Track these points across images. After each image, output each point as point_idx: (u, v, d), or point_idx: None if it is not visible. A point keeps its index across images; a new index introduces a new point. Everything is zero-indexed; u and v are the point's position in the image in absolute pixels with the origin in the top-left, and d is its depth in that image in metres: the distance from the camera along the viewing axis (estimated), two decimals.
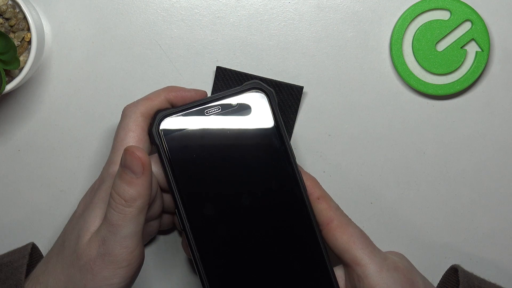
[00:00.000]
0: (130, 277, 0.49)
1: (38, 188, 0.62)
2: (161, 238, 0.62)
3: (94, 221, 0.49)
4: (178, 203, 0.51)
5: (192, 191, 0.51)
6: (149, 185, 0.48)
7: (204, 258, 0.51)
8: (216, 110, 0.52)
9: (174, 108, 0.52)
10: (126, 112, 0.53)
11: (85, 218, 0.50)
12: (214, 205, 0.51)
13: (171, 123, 0.51)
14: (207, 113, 0.52)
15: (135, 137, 0.52)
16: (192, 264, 0.61)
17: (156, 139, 0.51)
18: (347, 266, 0.52)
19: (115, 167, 0.51)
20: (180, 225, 0.51)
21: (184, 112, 0.51)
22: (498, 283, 0.58)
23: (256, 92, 0.52)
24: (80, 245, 0.49)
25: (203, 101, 0.52)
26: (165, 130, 0.51)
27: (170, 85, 0.58)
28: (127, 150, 0.48)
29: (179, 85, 0.57)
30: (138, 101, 0.53)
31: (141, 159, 0.48)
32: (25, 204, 0.62)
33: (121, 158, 0.48)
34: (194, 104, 0.52)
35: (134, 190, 0.48)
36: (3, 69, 0.54)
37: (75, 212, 0.53)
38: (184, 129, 0.51)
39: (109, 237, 0.48)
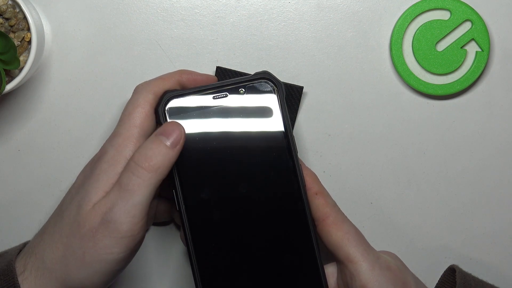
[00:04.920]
0: (131, 250, 0.49)
1: (38, 188, 0.62)
2: (159, 232, 0.62)
3: (96, 192, 0.49)
4: (177, 184, 0.51)
5: (191, 174, 0.51)
6: (173, 162, 0.49)
7: (196, 240, 0.51)
8: (224, 96, 0.52)
9: (183, 90, 0.52)
10: (137, 89, 0.53)
11: (86, 188, 0.50)
12: (212, 189, 0.51)
13: (178, 104, 0.52)
14: (215, 98, 0.52)
15: (143, 112, 0.52)
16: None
17: (162, 119, 0.51)
18: (340, 263, 0.52)
19: (119, 139, 0.51)
20: (176, 206, 0.51)
21: (192, 95, 0.52)
22: (498, 283, 0.58)
23: (265, 82, 0.52)
24: (81, 214, 0.48)
25: (212, 86, 0.52)
26: (171, 110, 0.51)
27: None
28: (171, 123, 0.50)
29: None
30: (150, 80, 0.54)
31: (182, 134, 0.50)
32: (25, 204, 0.62)
33: (160, 128, 0.50)
34: (203, 88, 0.52)
35: (162, 159, 0.49)
36: (3, 69, 0.54)
37: (74, 184, 0.53)
38: (190, 111, 0.52)
39: (119, 204, 0.48)
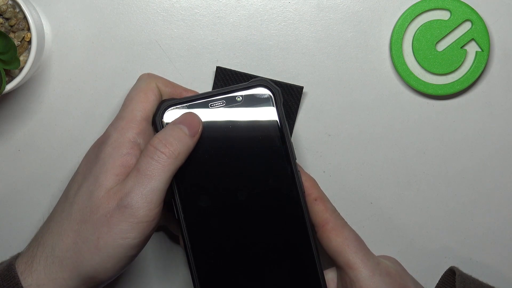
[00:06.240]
0: (145, 235, 0.49)
1: (38, 188, 0.62)
2: (158, 236, 0.62)
3: (106, 177, 0.49)
4: (175, 193, 0.51)
5: (190, 182, 0.51)
6: (190, 150, 0.50)
7: (195, 248, 0.51)
8: (221, 104, 0.52)
9: (180, 99, 0.52)
10: (141, 77, 0.55)
11: (95, 174, 0.50)
12: (210, 197, 0.51)
13: (175, 113, 0.52)
14: (211, 106, 0.52)
15: (145, 97, 0.52)
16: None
17: (159, 128, 0.51)
18: (340, 269, 0.52)
19: (122, 122, 0.52)
20: (175, 215, 0.51)
21: (188, 103, 0.52)
22: (498, 283, 0.58)
23: (262, 89, 0.52)
24: (94, 200, 0.49)
25: (209, 94, 0.52)
26: (169, 120, 0.52)
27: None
28: (190, 113, 0.51)
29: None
30: (155, 74, 0.55)
31: (200, 124, 0.51)
32: (25, 204, 0.62)
33: (179, 117, 0.51)
34: (200, 96, 0.52)
35: (182, 145, 0.49)
36: (3, 69, 0.54)
37: (78, 170, 0.53)
38: None
39: (136, 189, 0.48)
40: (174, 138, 0.50)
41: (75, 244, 0.48)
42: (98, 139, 0.53)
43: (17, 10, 0.56)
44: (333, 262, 0.53)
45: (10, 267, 0.49)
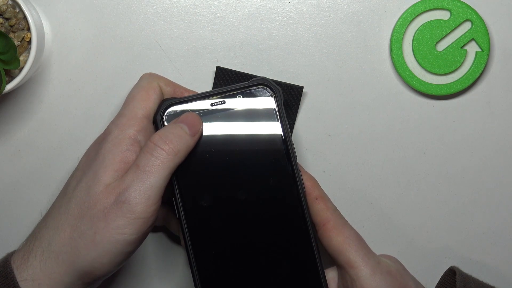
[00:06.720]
0: (142, 232, 0.49)
1: (38, 188, 0.62)
2: (159, 236, 0.62)
3: (104, 172, 0.49)
4: (176, 192, 0.51)
5: (191, 182, 0.51)
6: (190, 149, 0.50)
7: (196, 247, 0.51)
8: (221, 103, 0.52)
9: (181, 98, 0.53)
10: (143, 76, 0.55)
11: (94, 169, 0.50)
12: (211, 197, 0.51)
13: (176, 112, 0.52)
14: (212, 105, 0.52)
15: (145, 95, 0.53)
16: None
17: (160, 126, 0.52)
18: (341, 268, 0.52)
19: (123, 120, 0.52)
20: (176, 214, 0.51)
21: (189, 103, 0.52)
22: (498, 283, 0.58)
23: (263, 88, 0.53)
24: (91, 195, 0.49)
25: (210, 93, 0.52)
26: (169, 118, 0.52)
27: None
28: (190, 113, 0.52)
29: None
30: (159, 74, 0.55)
31: (201, 124, 0.51)
32: (25, 204, 0.62)
33: (180, 117, 0.51)
34: (201, 95, 0.53)
35: (182, 143, 0.50)
36: (3, 69, 0.54)
37: (78, 166, 0.53)
38: None
39: (135, 185, 0.48)
40: (174, 136, 0.50)
41: (72, 239, 0.49)
42: (99, 136, 0.53)
43: (17, 10, 0.56)
44: (334, 261, 0.53)
45: (5, 263, 0.49)
